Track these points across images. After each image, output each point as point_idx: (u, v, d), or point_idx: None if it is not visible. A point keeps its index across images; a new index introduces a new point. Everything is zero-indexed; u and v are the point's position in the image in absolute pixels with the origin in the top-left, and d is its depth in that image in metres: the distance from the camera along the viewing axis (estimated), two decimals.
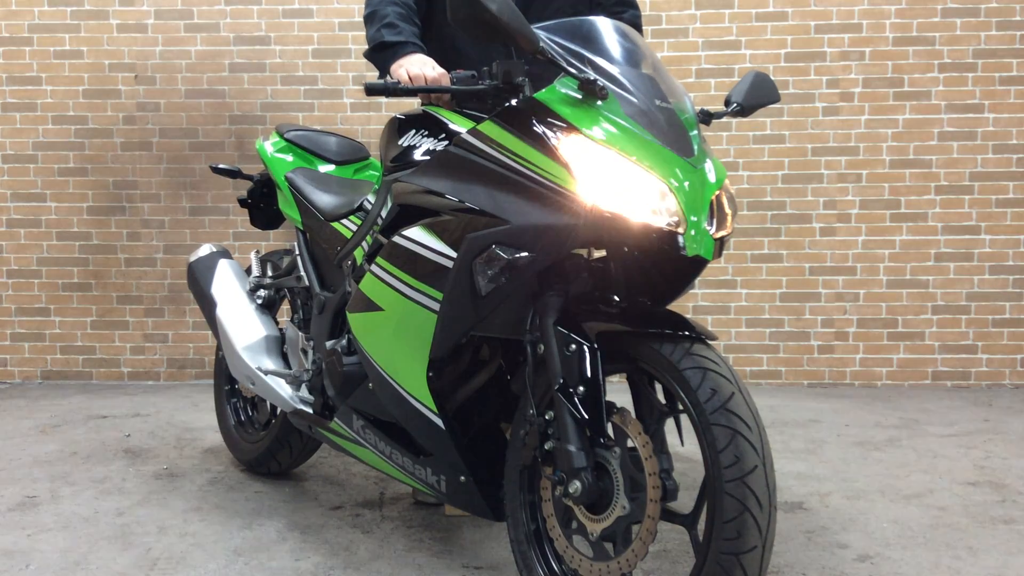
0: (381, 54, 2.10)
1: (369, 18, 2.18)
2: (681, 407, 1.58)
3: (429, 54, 2.08)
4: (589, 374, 1.62)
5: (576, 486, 1.59)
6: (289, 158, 2.62)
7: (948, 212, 4.11)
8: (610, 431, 1.64)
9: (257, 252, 2.84)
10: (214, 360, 3.01)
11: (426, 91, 1.87)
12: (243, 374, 2.60)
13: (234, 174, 2.83)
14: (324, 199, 2.42)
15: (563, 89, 1.68)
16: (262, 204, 2.83)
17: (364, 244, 2.16)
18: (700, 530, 1.56)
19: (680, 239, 1.56)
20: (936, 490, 2.65)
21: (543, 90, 1.70)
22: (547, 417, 1.68)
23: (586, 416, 1.61)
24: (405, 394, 1.90)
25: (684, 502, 1.67)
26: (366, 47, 2.19)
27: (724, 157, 4.11)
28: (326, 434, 2.27)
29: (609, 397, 1.65)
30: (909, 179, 4.12)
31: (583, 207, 1.55)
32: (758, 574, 1.47)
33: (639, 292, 1.78)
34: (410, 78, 1.94)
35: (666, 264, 1.75)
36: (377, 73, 2.17)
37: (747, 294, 4.18)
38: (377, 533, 2.33)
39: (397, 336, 1.90)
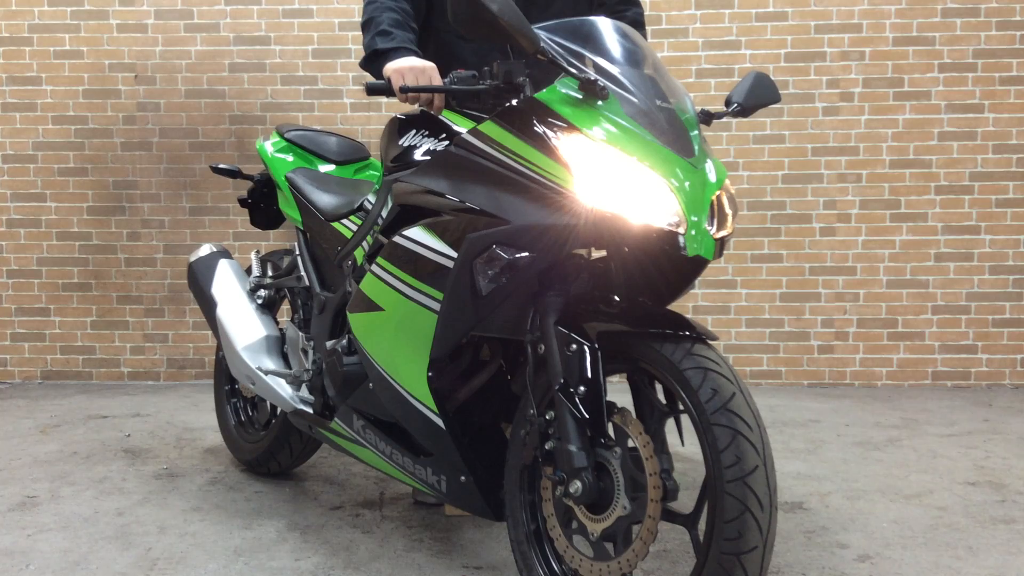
0: (374, 63, 2.07)
1: (365, 25, 2.15)
2: (682, 407, 1.58)
3: (427, 58, 2.07)
4: (590, 374, 1.62)
5: (576, 486, 1.59)
6: (289, 158, 2.62)
7: (948, 212, 4.12)
8: (611, 431, 1.64)
9: (257, 252, 2.84)
10: (214, 360, 3.01)
11: (425, 90, 1.86)
12: (243, 374, 2.60)
13: (234, 174, 2.83)
14: (324, 199, 2.42)
15: (564, 89, 1.68)
16: (262, 204, 2.83)
17: (364, 244, 2.16)
18: (701, 530, 1.56)
19: (680, 239, 1.56)
20: (936, 490, 2.65)
21: (544, 90, 1.70)
22: (547, 417, 1.68)
23: (587, 416, 1.61)
24: (405, 394, 1.90)
25: (684, 502, 1.67)
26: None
27: (724, 157, 4.11)
28: (326, 434, 2.27)
29: (609, 397, 1.65)
30: (909, 179, 4.12)
31: (583, 207, 1.55)
32: (758, 574, 1.47)
33: (639, 292, 1.78)
34: (404, 80, 1.92)
35: (666, 264, 1.75)
36: None
37: (747, 294, 4.18)
38: (377, 533, 2.33)
39: (398, 336, 1.90)
